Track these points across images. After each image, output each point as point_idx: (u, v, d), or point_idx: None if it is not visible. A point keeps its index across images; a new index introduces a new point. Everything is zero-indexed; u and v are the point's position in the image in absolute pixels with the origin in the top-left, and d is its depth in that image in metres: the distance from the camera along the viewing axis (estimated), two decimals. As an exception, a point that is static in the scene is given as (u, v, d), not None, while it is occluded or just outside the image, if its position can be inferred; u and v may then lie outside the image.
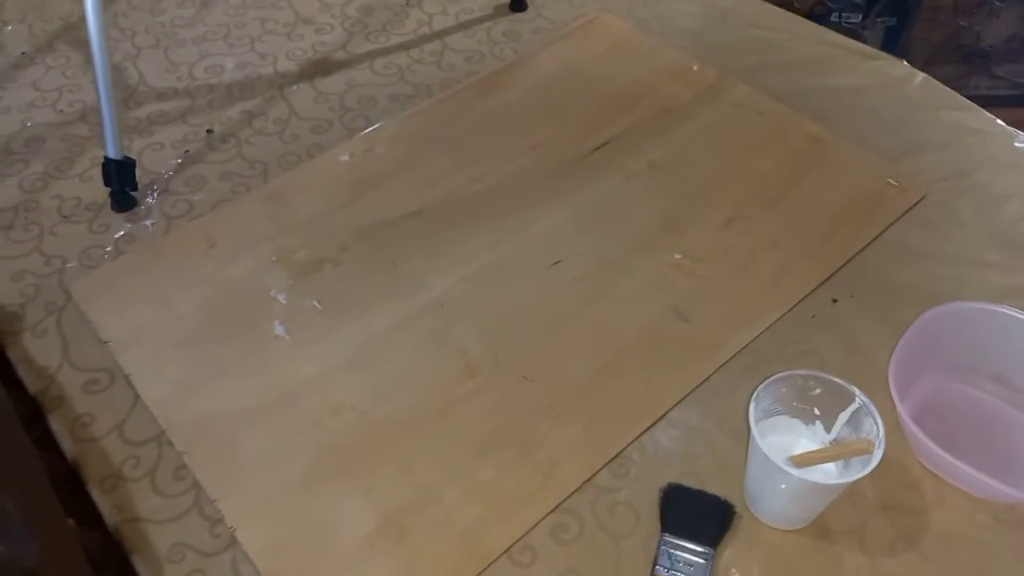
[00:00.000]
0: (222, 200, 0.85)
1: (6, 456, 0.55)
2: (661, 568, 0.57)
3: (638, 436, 0.65)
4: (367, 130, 0.92)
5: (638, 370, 0.69)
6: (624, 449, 0.64)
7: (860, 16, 1.78)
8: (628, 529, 0.60)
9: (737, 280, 0.75)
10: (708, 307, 0.73)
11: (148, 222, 0.83)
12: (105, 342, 0.72)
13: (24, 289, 0.77)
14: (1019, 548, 0.58)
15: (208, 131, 0.93)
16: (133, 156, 0.85)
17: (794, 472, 0.52)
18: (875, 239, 0.79)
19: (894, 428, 0.61)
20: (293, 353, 0.71)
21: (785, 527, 0.59)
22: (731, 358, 0.70)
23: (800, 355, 0.70)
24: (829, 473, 0.57)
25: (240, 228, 0.81)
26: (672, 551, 0.58)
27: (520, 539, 0.60)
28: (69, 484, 0.65)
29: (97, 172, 0.85)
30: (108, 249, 0.81)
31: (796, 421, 0.59)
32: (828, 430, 0.58)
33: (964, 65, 1.76)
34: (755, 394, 0.56)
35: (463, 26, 1.07)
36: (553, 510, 0.61)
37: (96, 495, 0.63)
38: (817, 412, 0.58)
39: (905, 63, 0.98)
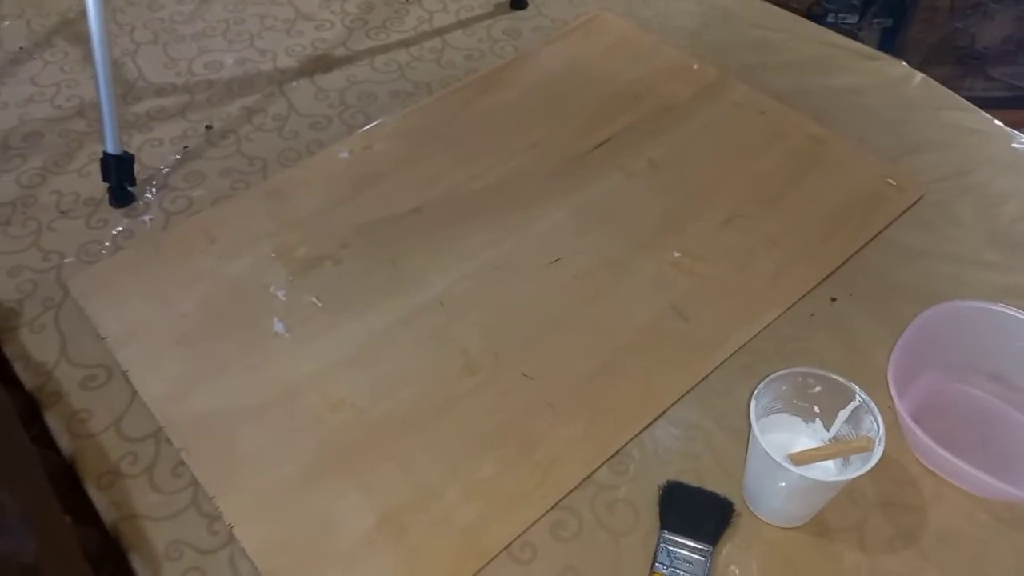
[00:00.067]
0: (221, 196, 0.85)
1: (4, 453, 0.55)
2: (660, 565, 0.57)
3: (638, 434, 0.65)
4: (367, 127, 0.92)
5: (638, 368, 0.69)
6: (624, 447, 0.64)
7: (857, 17, 1.78)
8: (627, 526, 0.60)
9: (737, 279, 0.76)
10: (708, 306, 0.73)
11: (147, 218, 0.83)
12: (103, 338, 0.72)
13: (21, 285, 0.77)
14: (1018, 546, 0.58)
15: (207, 127, 0.93)
16: (132, 152, 0.85)
17: (794, 469, 0.53)
18: (874, 238, 0.79)
19: (892, 426, 0.61)
20: (293, 350, 0.71)
21: (784, 524, 0.60)
22: (730, 356, 0.70)
23: (799, 353, 0.70)
24: (828, 471, 0.57)
25: (240, 225, 0.81)
26: (671, 548, 0.58)
27: (520, 536, 0.60)
28: (66, 481, 0.64)
29: (95, 167, 0.85)
30: (106, 245, 0.80)
31: (796, 419, 0.59)
32: (827, 428, 0.58)
33: (959, 67, 1.76)
34: (755, 392, 0.56)
35: (463, 24, 1.07)
36: (553, 507, 0.61)
37: (93, 492, 0.63)
38: (817, 410, 0.59)
39: (904, 63, 0.98)
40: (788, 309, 0.73)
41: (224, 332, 0.72)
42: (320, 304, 0.74)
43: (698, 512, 0.59)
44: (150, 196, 0.85)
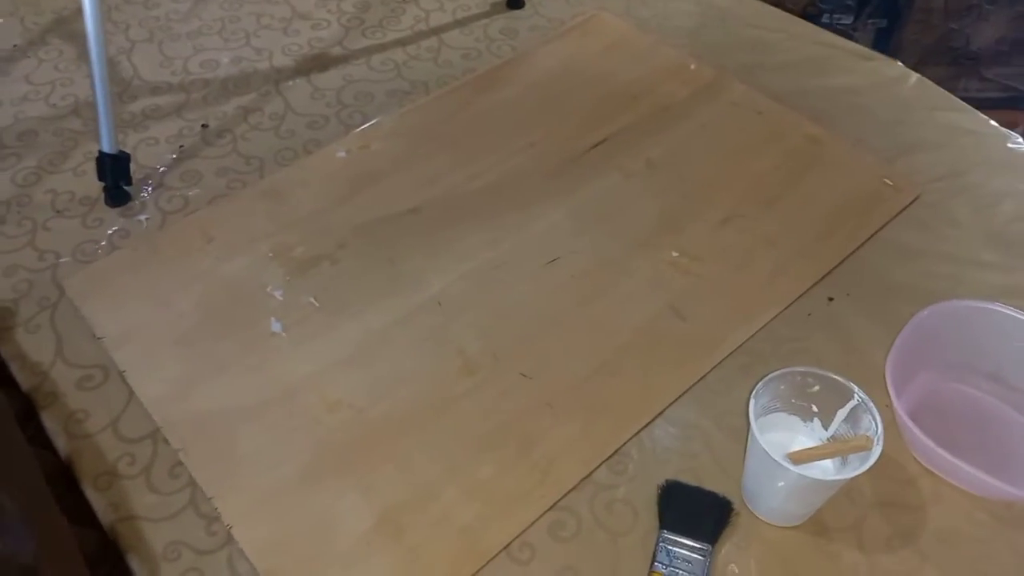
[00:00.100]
0: (218, 196, 0.85)
1: (2, 453, 0.54)
2: (659, 565, 0.57)
3: (636, 433, 0.65)
4: (364, 126, 0.91)
5: (636, 368, 0.69)
6: (622, 446, 0.64)
7: (852, 17, 1.79)
8: (626, 526, 0.60)
9: (734, 279, 0.76)
10: (705, 305, 0.74)
11: (143, 217, 0.83)
12: (99, 338, 0.71)
13: (17, 284, 0.76)
14: (1016, 545, 0.58)
15: (203, 126, 0.93)
16: (127, 151, 0.85)
17: (792, 468, 0.53)
18: (871, 238, 0.79)
19: (890, 426, 0.61)
20: (290, 350, 0.71)
21: (783, 524, 0.60)
22: (728, 356, 0.70)
23: (796, 353, 0.70)
24: (827, 470, 0.57)
25: (237, 224, 0.81)
26: (670, 548, 0.58)
27: (518, 536, 0.60)
28: (63, 481, 0.64)
29: (90, 166, 0.84)
30: (102, 244, 0.80)
31: (794, 418, 0.59)
32: (826, 427, 0.58)
33: (954, 67, 1.77)
34: (754, 391, 0.56)
35: (460, 23, 1.07)
36: (551, 507, 0.61)
37: (90, 493, 0.62)
38: (815, 409, 0.59)
39: (900, 64, 0.98)
40: (785, 309, 0.73)
41: (221, 332, 0.72)
42: (318, 304, 0.74)
43: (697, 511, 0.59)
44: (146, 195, 0.85)
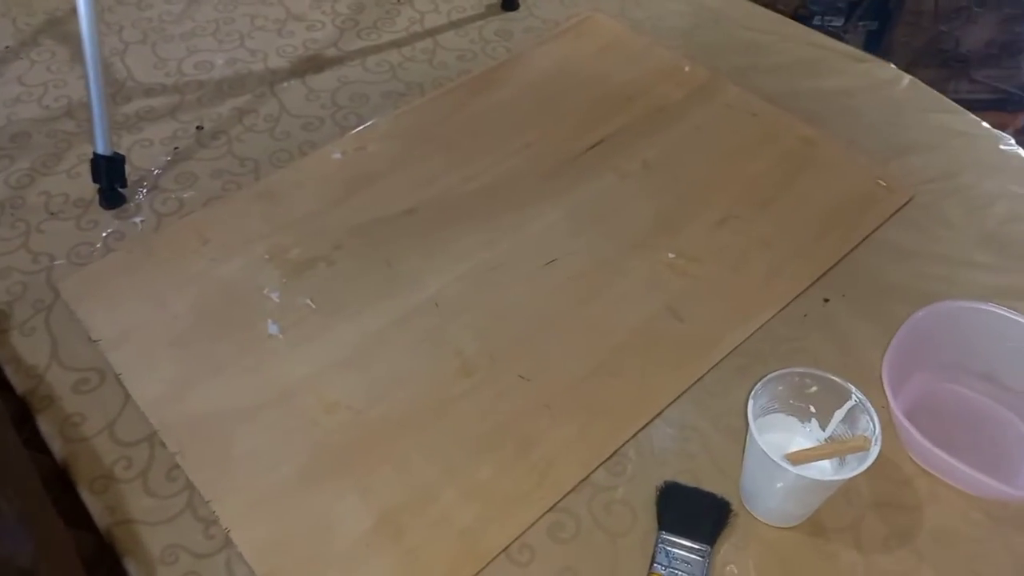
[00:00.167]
0: (213, 198, 0.84)
1: (0, 457, 0.54)
2: (659, 566, 0.57)
3: (634, 435, 0.65)
4: (359, 128, 0.91)
5: (633, 369, 0.69)
6: (620, 448, 0.65)
7: (842, 19, 1.80)
8: (625, 527, 0.60)
9: (730, 280, 0.76)
10: (702, 306, 0.74)
11: (138, 219, 0.82)
12: (95, 341, 0.71)
13: (11, 287, 0.76)
14: (1011, 545, 0.59)
15: (198, 128, 0.92)
16: (122, 153, 0.84)
17: (791, 469, 0.53)
18: (865, 239, 0.79)
19: (887, 426, 0.61)
20: (287, 352, 0.71)
21: (781, 524, 0.60)
22: (725, 357, 0.70)
23: (793, 354, 0.70)
24: (825, 470, 0.57)
25: (233, 226, 0.80)
26: (669, 549, 0.58)
27: (518, 538, 0.60)
28: (59, 484, 0.64)
29: (84, 168, 0.84)
30: (97, 247, 0.80)
31: (792, 419, 0.60)
32: (823, 428, 0.59)
33: (944, 69, 1.78)
34: (753, 391, 0.56)
35: (455, 24, 1.07)
36: (550, 509, 0.61)
37: (87, 496, 0.62)
38: (813, 410, 0.59)
39: (892, 66, 0.99)
40: (782, 310, 0.74)
41: (218, 334, 0.72)
42: (314, 306, 0.74)
43: (695, 512, 0.60)
44: (141, 197, 0.84)
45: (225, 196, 0.84)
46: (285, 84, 0.98)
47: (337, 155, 0.88)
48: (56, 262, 0.78)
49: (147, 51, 1.03)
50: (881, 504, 0.61)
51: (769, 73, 0.98)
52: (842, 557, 0.58)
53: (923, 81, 0.97)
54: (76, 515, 0.62)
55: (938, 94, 0.96)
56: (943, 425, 0.63)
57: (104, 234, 0.81)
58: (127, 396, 0.68)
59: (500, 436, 0.65)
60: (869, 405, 0.55)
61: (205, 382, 0.68)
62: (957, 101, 0.95)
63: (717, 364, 0.70)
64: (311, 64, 1.01)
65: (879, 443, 0.53)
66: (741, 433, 0.64)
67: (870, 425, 0.55)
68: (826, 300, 0.75)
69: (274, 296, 0.75)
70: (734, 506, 0.60)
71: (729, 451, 0.64)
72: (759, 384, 0.57)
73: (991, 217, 0.82)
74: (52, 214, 0.83)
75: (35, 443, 0.66)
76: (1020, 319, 0.64)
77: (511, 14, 1.08)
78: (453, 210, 0.82)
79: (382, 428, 0.66)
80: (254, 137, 0.91)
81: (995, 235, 0.80)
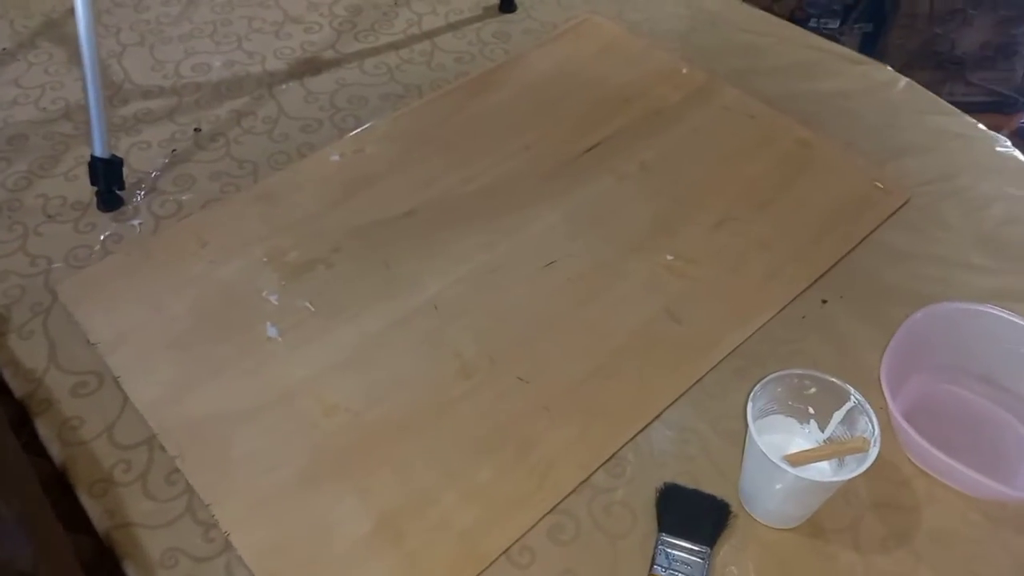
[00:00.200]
0: (211, 200, 0.84)
1: (-2, 460, 0.54)
2: (659, 567, 0.57)
3: (633, 437, 0.65)
4: (357, 130, 0.91)
5: (632, 371, 0.69)
6: (620, 450, 0.65)
7: (838, 22, 1.81)
8: (625, 529, 0.60)
9: (729, 281, 0.76)
10: (700, 308, 0.74)
11: (136, 222, 0.82)
12: (93, 344, 0.71)
13: (9, 290, 0.76)
14: (1010, 546, 0.59)
15: (196, 130, 0.92)
16: (119, 155, 0.84)
17: (790, 470, 0.53)
18: (862, 241, 0.80)
19: (885, 427, 0.61)
20: (286, 354, 0.70)
21: (780, 526, 0.60)
22: (723, 359, 0.70)
23: (792, 356, 0.71)
24: (824, 472, 0.57)
25: (231, 228, 0.80)
26: (669, 550, 0.58)
27: (518, 540, 0.60)
28: (58, 489, 0.63)
29: (82, 171, 0.84)
30: (95, 249, 0.79)
31: (791, 420, 0.60)
32: (822, 429, 0.59)
33: (939, 71, 1.79)
34: (752, 393, 0.56)
35: (453, 27, 1.07)
36: (550, 511, 0.61)
37: (86, 500, 0.62)
38: (811, 411, 0.59)
39: (889, 68, 0.99)
40: (780, 311, 0.74)
41: (217, 337, 0.72)
42: (313, 308, 0.74)
43: (695, 514, 0.60)
44: (139, 200, 0.84)
45: (223, 198, 0.84)
46: (283, 86, 0.98)
47: (335, 157, 0.88)
48: (54, 265, 0.78)
49: (144, 53, 1.03)
50: (880, 505, 0.61)
51: (766, 75, 0.98)
52: (841, 558, 0.58)
53: (919, 83, 0.98)
54: (75, 519, 0.62)
55: (934, 96, 0.96)
56: (941, 426, 0.63)
57: (102, 237, 0.81)
58: (126, 399, 0.67)
59: (500, 438, 0.65)
60: (868, 406, 0.55)
61: (204, 385, 0.68)
62: (952, 103, 0.95)
63: (716, 366, 0.70)
64: (309, 66, 1.01)
65: (878, 444, 0.53)
66: (740, 435, 0.64)
67: (869, 426, 0.55)
68: (824, 302, 0.75)
69: (273, 298, 0.75)
70: (733, 508, 0.60)
71: (728, 453, 0.64)
72: (758, 386, 0.57)
73: (988, 219, 0.82)
74: (50, 217, 0.83)
75: (34, 447, 0.66)
76: (1017, 320, 0.64)
77: (509, 16, 1.09)
78: (452, 212, 0.82)
79: (382, 430, 0.66)
80: (252, 139, 0.91)
81: (992, 237, 0.80)
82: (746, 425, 0.55)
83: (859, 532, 0.60)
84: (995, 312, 0.65)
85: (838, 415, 0.57)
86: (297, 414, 0.66)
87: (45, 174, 0.87)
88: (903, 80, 0.98)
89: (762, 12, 1.08)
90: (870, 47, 1.80)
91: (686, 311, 0.74)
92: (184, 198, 0.85)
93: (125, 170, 0.84)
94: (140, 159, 0.89)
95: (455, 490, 0.62)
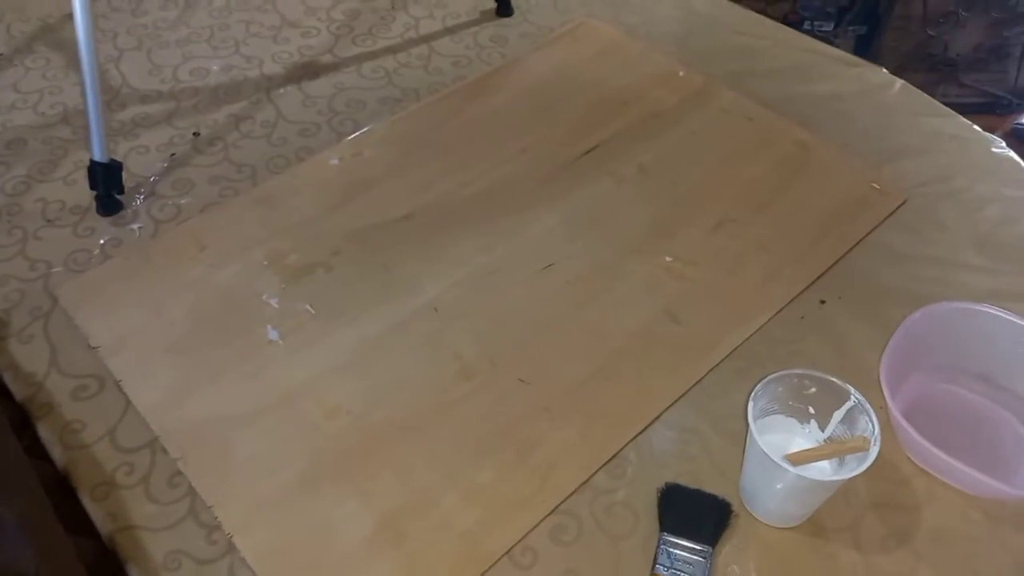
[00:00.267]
0: (210, 204, 0.84)
1: (0, 463, 0.54)
2: (661, 567, 0.57)
3: (634, 437, 0.66)
4: (356, 134, 0.92)
5: (632, 372, 0.70)
6: (621, 450, 0.65)
7: (832, 24, 1.82)
8: (627, 529, 0.60)
9: (727, 283, 0.76)
10: (700, 309, 0.74)
11: (135, 226, 0.82)
12: (94, 348, 0.71)
13: (8, 295, 0.76)
14: (1009, 544, 0.59)
15: (194, 134, 0.93)
16: (118, 159, 0.84)
17: (791, 470, 0.53)
18: (860, 242, 0.80)
19: (884, 427, 0.62)
20: (287, 357, 0.71)
21: (781, 525, 0.60)
22: (723, 360, 0.71)
23: (791, 356, 0.71)
24: (824, 471, 0.58)
25: (231, 232, 0.81)
26: (671, 550, 0.58)
27: (520, 541, 0.60)
28: (60, 491, 0.63)
29: (81, 175, 0.84)
30: (95, 253, 0.79)
31: (791, 420, 0.60)
32: (822, 429, 0.59)
33: (933, 73, 1.80)
34: (752, 393, 0.56)
35: (450, 30, 1.07)
36: (552, 512, 0.61)
37: (88, 503, 0.62)
38: (812, 411, 0.59)
39: (884, 70, 1.00)
40: (779, 312, 0.74)
41: (217, 340, 0.72)
42: (313, 311, 0.74)
43: (697, 514, 0.60)
44: (138, 204, 0.84)
45: (222, 202, 0.84)
46: (281, 90, 0.98)
47: (334, 161, 0.88)
48: (54, 269, 0.78)
49: (142, 58, 1.03)
50: (880, 504, 0.61)
51: (763, 78, 0.99)
52: (842, 557, 0.59)
53: (912, 85, 0.99)
54: (77, 522, 0.62)
55: (930, 98, 0.97)
56: (940, 425, 0.64)
57: (101, 241, 0.81)
58: (127, 402, 0.67)
59: (500, 440, 0.65)
60: (868, 406, 0.56)
61: (206, 388, 0.68)
62: (946, 105, 0.96)
63: (715, 367, 0.70)
64: (307, 70, 1.01)
65: (878, 443, 0.54)
66: (740, 435, 0.65)
67: (869, 426, 0.55)
68: (822, 302, 0.75)
69: (273, 302, 0.75)
70: (735, 507, 0.61)
71: (729, 453, 0.64)
72: (759, 386, 0.57)
73: (984, 220, 0.82)
74: (49, 221, 0.83)
75: (35, 450, 0.66)
76: (1015, 320, 0.64)
77: (506, 20, 1.09)
78: (450, 215, 0.83)
79: (382, 433, 0.66)
80: (251, 143, 0.92)
81: (988, 238, 0.81)
82: (747, 425, 0.55)
83: (859, 531, 0.60)
84: (992, 312, 0.65)
85: (838, 414, 0.58)
86: (298, 417, 0.67)
87: (44, 178, 0.87)
88: (898, 82, 0.98)
89: (757, 15, 1.09)
90: (864, 49, 1.81)
91: (685, 312, 0.74)
92: (183, 202, 0.85)
93: (124, 174, 0.84)
94: (139, 163, 0.89)
95: (456, 491, 0.62)
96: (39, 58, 1.02)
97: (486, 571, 0.58)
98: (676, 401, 0.68)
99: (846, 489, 0.61)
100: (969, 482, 0.60)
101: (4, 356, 0.71)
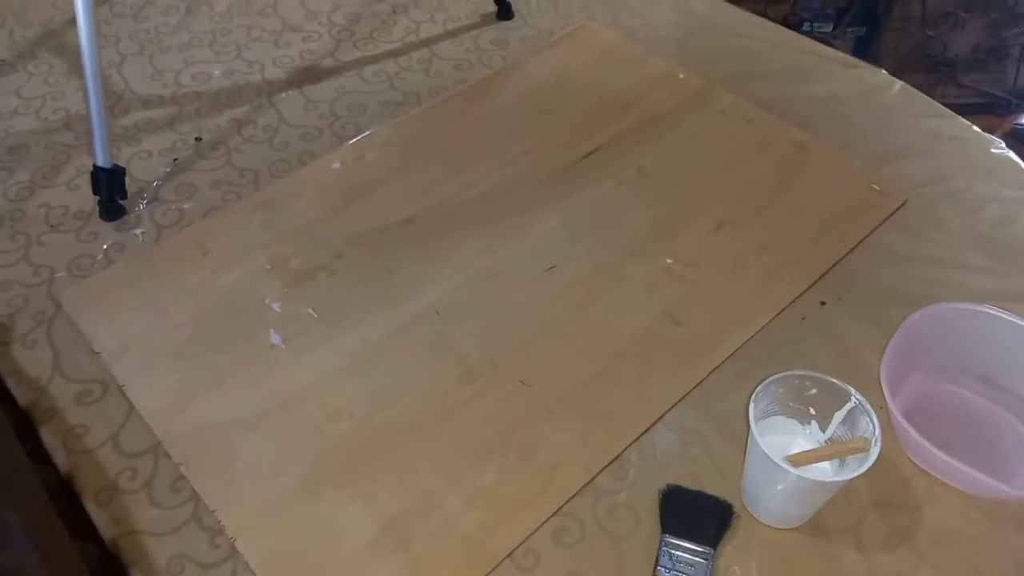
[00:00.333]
0: (213, 208, 0.85)
1: (4, 468, 0.54)
2: (662, 569, 0.58)
3: (636, 439, 0.66)
4: (358, 138, 0.92)
5: (633, 374, 0.70)
6: (623, 452, 0.65)
7: (831, 26, 1.82)
8: (629, 531, 0.61)
9: (728, 284, 0.77)
10: (701, 311, 0.75)
11: (138, 231, 0.83)
12: (97, 352, 0.71)
13: (12, 300, 0.76)
14: (1010, 544, 0.59)
15: (197, 139, 0.93)
16: (121, 165, 0.84)
17: (792, 471, 0.53)
18: (860, 243, 0.80)
19: (885, 427, 0.62)
20: (290, 361, 0.71)
21: (782, 526, 0.60)
22: (724, 361, 0.71)
23: (792, 357, 0.71)
24: (825, 472, 0.58)
25: (233, 236, 0.81)
26: (673, 551, 0.58)
27: (522, 543, 0.60)
28: (63, 497, 0.64)
29: (84, 180, 0.84)
30: (98, 258, 0.80)
31: (792, 421, 0.60)
32: (823, 429, 0.59)
33: (932, 74, 1.80)
34: (754, 394, 0.57)
35: (450, 34, 1.08)
36: (554, 513, 0.61)
37: (91, 508, 0.62)
38: (812, 412, 0.60)
39: (883, 71, 1.00)
40: (779, 313, 0.74)
41: (220, 344, 0.72)
42: (316, 315, 0.74)
43: (698, 515, 0.60)
44: (141, 209, 0.85)
45: (225, 206, 0.85)
46: (283, 95, 0.99)
47: (336, 164, 0.89)
48: (57, 274, 0.78)
49: (144, 63, 1.03)
50: (881, 504, 0.61)
51: (762, 80, 0.99)
52: (843, 558, 0.59)
53: (911, 86, 0.99)
54: (81, 526, 0.62)
55: (929, 99, 0.97)
56: (941, 426, 0.64)
57: (104, 246, 0.81)
58: (131, 407, 0.68)
59: (503, 442, 0.66)
60: (869, 406, 0.56)
61: (208, 392, 0.69)
62: (945, 106, 0.96)
63: (716, 368, 0.70)
64: (308, 74, 1.02)
65: (879, 444, 0.54)
66: (742, 436, 0.65)
67: (870, 426, 0.55)
68: (823, 303, 0.76)
69: (275, 306, 0.75)
70: (736, 508, 0.61)
71: (730, 454, 0.64)
72: (760, 387, 0.57)
73: (983, 220, 0.83)
74: (52, 226, 0.83)
75: (38, 454, 0.66)
76: (1015, 320, 0.65)
77: (506, 23, 1.09)
78: (452, 218, 0.83)
79: (385, 436, 0.66)
80: (253, 147, 0.92)
81: (988, 238, 0.81)
82: (748, 426, 0.55)
83: (861, 531, 0.60)
84: (992, 312, 0.66)
85: (839, 415, 0.58)
86: (301, 420, 0.67)
87: (47, 184, 0.87)
88: (897, 83, 0.99)
89: (756, 17, 1.09)
90: (863, 50, 1.81)
91: (686, 314, 0.74)
92: (186, 207, 0.85)
93: (127, 179, 0.85)
94: (141, 168, 0.89)
95: (459, 494, 0.62)
96: (42, 63, 1.03)
97: (489, 573, 0.58)
98: (677, 403, 0.68)
99: (847, 490, 0.62)
100: (969, 482, 0.60)
101: (7, 361, 0.71)
